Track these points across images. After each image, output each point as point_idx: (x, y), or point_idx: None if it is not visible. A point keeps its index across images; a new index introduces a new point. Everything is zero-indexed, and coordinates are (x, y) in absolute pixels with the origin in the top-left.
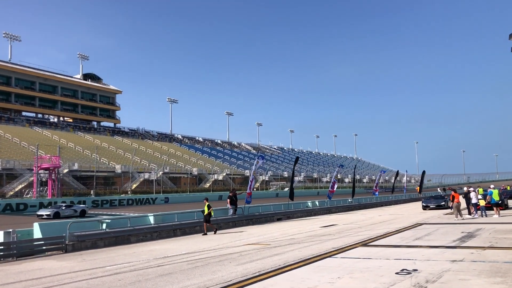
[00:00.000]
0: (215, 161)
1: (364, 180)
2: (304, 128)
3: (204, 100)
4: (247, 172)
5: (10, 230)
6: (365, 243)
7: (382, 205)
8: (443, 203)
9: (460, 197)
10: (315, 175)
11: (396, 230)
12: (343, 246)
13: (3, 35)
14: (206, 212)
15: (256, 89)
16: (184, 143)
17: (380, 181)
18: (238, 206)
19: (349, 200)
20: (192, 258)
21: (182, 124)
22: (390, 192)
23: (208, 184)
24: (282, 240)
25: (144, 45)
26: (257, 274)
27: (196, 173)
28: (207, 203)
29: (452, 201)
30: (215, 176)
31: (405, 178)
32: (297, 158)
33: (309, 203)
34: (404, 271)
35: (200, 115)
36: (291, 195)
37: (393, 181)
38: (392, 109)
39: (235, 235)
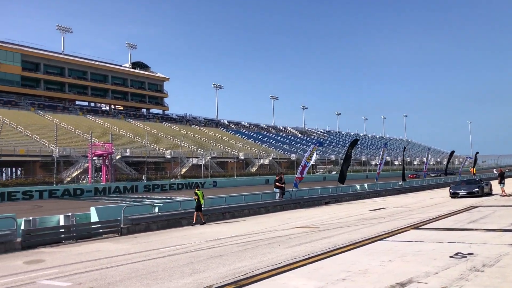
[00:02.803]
0: (261, 146)
1: (415, 162)
2: (351, 111)
3: (248, 85)
4: (293, 156)
5: (70, 214)
6: (416, 226)
7: (434, 188)
8: (477, 189)
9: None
10: (363, 158)
11: (449, 213)
12: (394, 229)
13: (56, 28)
14: (201, 200)
15: (301, 73)
16: (230, 128)
17: (432, 163)
18: (286, 190)
19: (399, 183)
20: (241, 241)
21: (228, 110)
22: (443, 174)
23: (254, 168)
24: (330, 223)
25: (190, 32)
26: (307, 256)
27: (242, 157)
28: (196, 190)
29: None
30: (261, 160)
31: (461, 160)
32: (356, 141)
33: (357, 187)
34: (459, 254)
35: (245, 100)
36: (341, 179)
37: (445, 163)
38: (444, 88)
39: (283, 218)
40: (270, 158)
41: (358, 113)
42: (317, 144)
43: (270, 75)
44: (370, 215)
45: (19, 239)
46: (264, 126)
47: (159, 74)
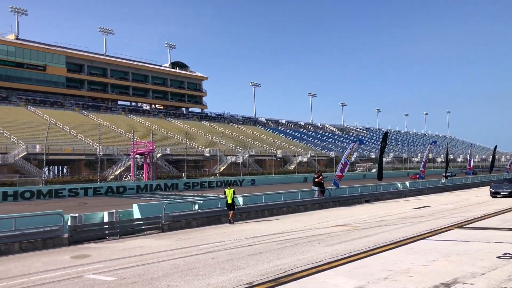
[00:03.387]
0: (299, 143)
1: (458, 160)
2: (392, 107)
3: (286, 82)
4: (332, 154)
5: (113, 210)
6: (461, 225)
7: (478, 186)
8: None
9: None
10: (404, 156)
11: (496, 212)
12: (437, 228)
13: (98, 30)
14: (229, 199)
15: (339, 69)
16: (267, 126)
17: (476, 160)
18: (325, 188)
19: (442, 181)
20: (280, 239)
21: (265, 108)
22: (488, 172)
23: (292, 166)
24: (371, 222)
25: (227, 31)
26: (347, 255)
27: (280, 155)
28: (226, 189)
29: None
30: (300, 158)
31: (508, 157)
32: (386, 134)
33: (398, 185)
34: (507, 255)
35: (282, 98)
36: (379, 175)
37: (490, 160)
38: (488, 83)
39: (322, 216)
40: (309, 156)
41: (399, 110)
42: (357, 142)
43: (308, 72)
44: (411, 213)
45: (66, 235)
46: (302, 123)
47: (198, 74)
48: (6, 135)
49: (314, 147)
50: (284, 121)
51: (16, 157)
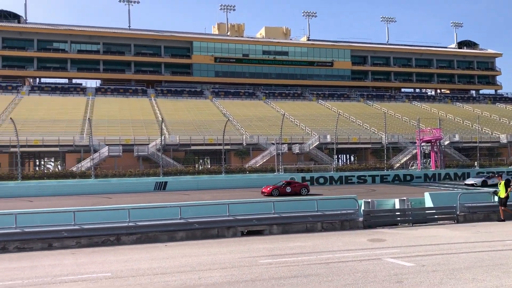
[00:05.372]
0: None
1: None
2: None
3: None
4: None
5: (404, 198)
6: None
7: None
8: None
9: None
10: None
11: None
12: None
13: (380, 19)
14: (502, 193)
15: None
16: None
17: None
18: None
19: None
20: None
21: None
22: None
23: None
24: None
25: None
26: None
27: None
28: (501, 181)
29: None
30: None
31: None
32: None
33: None
34: None
35: None
36: None
37: None
38: None
39: None
40: None
41: None
42: None
43: None
44: None
45: (360, 219)
46: None
47: (489, 51)
48: (302, 127)
49: None
50: None
51: (311, 147)
